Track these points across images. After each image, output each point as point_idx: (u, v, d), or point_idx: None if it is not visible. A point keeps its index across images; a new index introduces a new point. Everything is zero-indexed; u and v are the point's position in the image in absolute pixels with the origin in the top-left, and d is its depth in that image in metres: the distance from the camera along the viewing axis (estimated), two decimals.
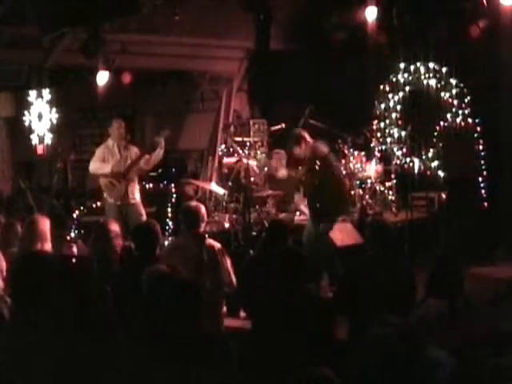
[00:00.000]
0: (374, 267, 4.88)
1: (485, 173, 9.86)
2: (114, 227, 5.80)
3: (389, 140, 10.74)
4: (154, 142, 8.73)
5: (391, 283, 4.75)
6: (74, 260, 4.13)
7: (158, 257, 5.26)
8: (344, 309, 4.80)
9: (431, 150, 10.27)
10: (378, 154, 10.54)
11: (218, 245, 5.78)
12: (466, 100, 10.13)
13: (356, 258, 6.11)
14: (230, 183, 10.03)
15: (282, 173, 9.42)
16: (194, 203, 6.15)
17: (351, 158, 10.12)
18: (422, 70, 10.39)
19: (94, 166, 8.62)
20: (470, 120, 10.04)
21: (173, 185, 9.99)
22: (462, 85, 10.15)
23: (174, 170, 10.73)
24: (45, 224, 5.99)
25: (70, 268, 3.86)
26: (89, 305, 3.70)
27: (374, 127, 10.79)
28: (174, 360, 3.36)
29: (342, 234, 8.30)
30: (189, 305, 3.59)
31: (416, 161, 10.26)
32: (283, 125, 9.53)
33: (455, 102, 10.18)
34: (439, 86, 10.28)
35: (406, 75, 10.55)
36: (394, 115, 10.75)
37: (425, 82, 10.38)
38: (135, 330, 3.86)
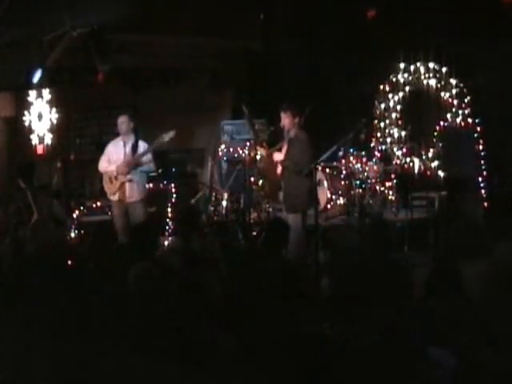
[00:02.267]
0: (373, 267, 4.88)
1: (485, 173, 9.87)
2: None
3: (389, 140, 10.75)
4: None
5: (390, 283, 4.75)
6: (73, 260, 4.13)
7: (154, 257, 5.27)
8: (343, 308, 4.80)
9: (431, 150, 10.28)
10: (378, 154, 10.55)
11: (215, 244, 5.81)
12: (465, 100, 10.14)
13: (355, 257, 6.11)
14: (230, 183, 10.04)
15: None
16: (188, 205, 6.20)
17: (351, 158, 10.12)
18: (422, 70, 10.40)
19: (101, 166, 8.61)
20: (469, 120, 10.05)
21: (173, 185, 9.99)
22: (461, 85, 10.16)
23: (173, 169, 10.70)
24: (50, 225, 6.00)
25: (70, 268, 3.86)
26: (88, 304, 3.71)
27: (374, 127, 10.81)
28: (174, 359, 3.36)
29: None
30: (190, 304, 3.60)
31: (416, 161, 10.28)
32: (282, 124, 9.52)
33: (455, 102, 10.19)
34: (439, 85, 10.29)
35: (406, 75, 10.57)
36: (393, 115, 10.77)
37: (425, 82, 10.40)
38: (134, 329, 3.86)
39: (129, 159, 8.36)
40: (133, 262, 4.95)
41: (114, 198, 8.42)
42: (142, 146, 8.53)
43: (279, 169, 7.81)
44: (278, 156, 7.88)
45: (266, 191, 9.76)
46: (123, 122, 8.51)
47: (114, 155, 8.53)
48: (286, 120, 7.79)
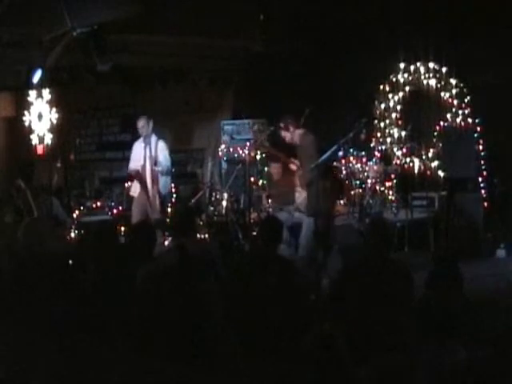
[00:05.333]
0: (373, 267, 4.88)
1: (485, 173, 9.87)
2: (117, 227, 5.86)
3: (389, 140, 10.74)
4: None
5: (390, 283, 4.75)
6: (70, 260, 4.13)
7: (153, 257, 5.26)
8: (342, 308, 4.80)
9: (431, 150, 10.28)
10: (378, 154, 10.55)
11: (214, 244, 5.82)
12: (465, 100, 10.14)
13: (356, 257, 6.10)
14: (229, 183, 10.05)
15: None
16: (186, 205, 6.23)
17: (351, 158, 10.12)
18: (422, 70, 10.40)
19: (130, 166, 9.23)
20: (470, 120, 10.05)
21: (173, 185, 9.99)
22: (461, 85, 10.15)
23: (173, 170, 10.72)
24: (45, 224, 5.98)
25: (68, 268, 3.86)
26: (87, 303, 3.71)
27: (374, 127, 10.80)
28: (175, 359, 3.36)
29: None
30: (189, 304, 3.59)
31: (416, 161, 10.27)
32: (282, 124, 9.54)
33: (455, 102, 10.18)
34: (439, 86, 10.29)
35: (406, 75, 10.56)
36: (393, 115, 10.76)
37: (425, 82, 10.39)
38: (134, 328, 3.86)
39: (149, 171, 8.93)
40: (135, 261, 4.94)
41: (135, 194, 9.06)
42: (159, 144, 8.98)
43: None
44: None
45: (274, 195, 9.82)
46: (143, 125, 9.02)
47: (136, 155, 9.12)
48: (286, 135, 8.01)
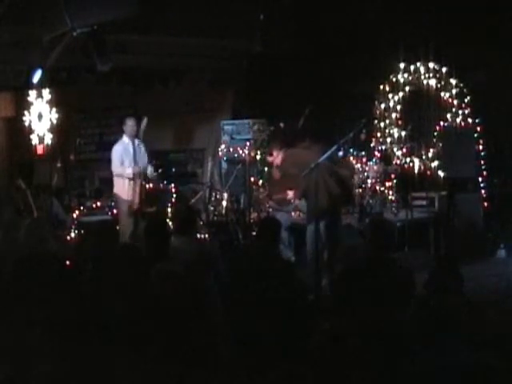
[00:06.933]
0: (373, 267, 4.88)
1: (485, 173, 9.88)
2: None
3: (389, 140, 10.75)
4: None
5: (390, 283, 4.76)
6: (71, 261, 4.12)
7: (167, 255, 5.25)
8: (343, 308, 4.80)
9: (431, 150, 10.29)
10: (378, 154, 10.55)
11: (214, 244, 5.83)
12: (465, 100, 10.14)
13: (356, 257, 6.11)
14: (230, 183, 10.05)
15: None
16: (186, 205, 6.23)
17: (351, 158, 10.12)
18: (422, 70, 10.40)
19: (117, 169, 8.86)
20: (470, 120, 10.05)
21: (173, 185, 9.99)
22: (461, 85, 10.16)
23: (173, 169, 10.72)
24: (45, 225, 5.99)
25: (69, 269, 3.85)
26: (90, 305, 3.70)
27: (374, 127, 10.80)
28: (174, 360, 3.36)
29: None
30: (193, 304, 3.60)
31: (416, 161, 10.28)
32: (282, 124, 9.56)
33: (455, 102, 10.19)
34: (439, 85, 10.29)
35: (406, 75, 10.56)
36: (393, 115, 10.77)
37: (425, 82, 10.39)
38: (139, 329, 3.86)
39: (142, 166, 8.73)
40: (149, 262, 4.92)
41: (128, 197, 8.69)
42: (143, 146, 8.86)
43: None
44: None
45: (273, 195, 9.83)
46: (134, 124, 8.73)
47: (125, 157, 8.80)
48: (270, 159, 8.31)
